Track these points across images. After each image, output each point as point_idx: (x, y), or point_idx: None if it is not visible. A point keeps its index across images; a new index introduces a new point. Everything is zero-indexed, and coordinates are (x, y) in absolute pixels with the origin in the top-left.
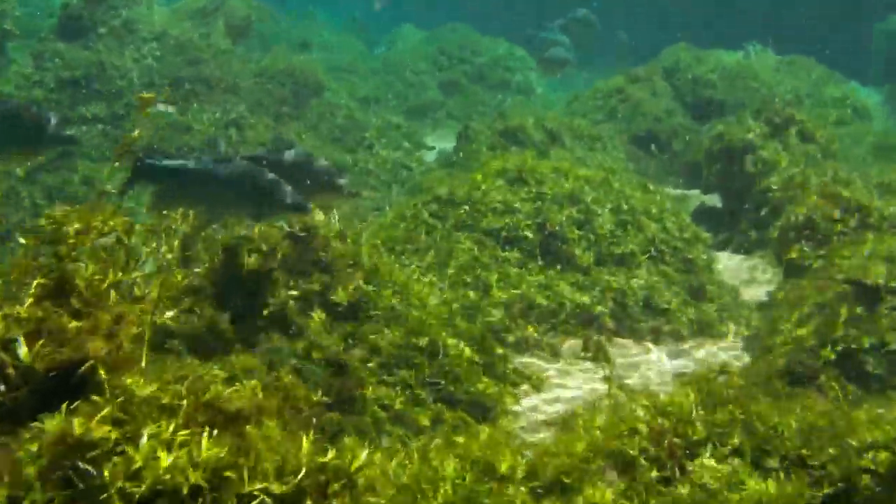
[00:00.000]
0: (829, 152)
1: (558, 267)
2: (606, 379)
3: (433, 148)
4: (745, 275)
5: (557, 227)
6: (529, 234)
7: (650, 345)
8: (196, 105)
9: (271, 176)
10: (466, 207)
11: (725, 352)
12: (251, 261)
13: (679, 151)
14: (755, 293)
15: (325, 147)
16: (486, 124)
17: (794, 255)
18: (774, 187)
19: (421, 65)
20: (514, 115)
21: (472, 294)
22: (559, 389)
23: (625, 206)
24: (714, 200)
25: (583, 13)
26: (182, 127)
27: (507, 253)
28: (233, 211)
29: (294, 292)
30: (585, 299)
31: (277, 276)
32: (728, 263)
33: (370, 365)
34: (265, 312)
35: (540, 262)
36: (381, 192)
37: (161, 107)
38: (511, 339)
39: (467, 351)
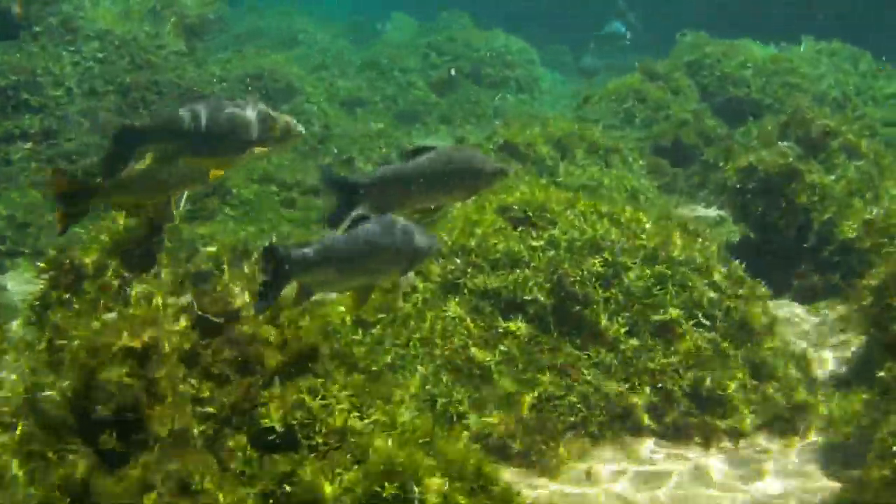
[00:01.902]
0: (881, 167)
1: (577, 340)
2: None
3: None
4: (812, 334)
5: (576, 286)
6: (540, 297)
7: (701, 451)
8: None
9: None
10: (457, 260)
11: (805, 459)
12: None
13: (709, 161)
14: (827, 360)
15: (295, 163)
16: (485, 134)
17: None
18: (852, 235)
19: (411, 61)
20: (515, 121)
21: (460, 393)
22: None
23: (661, 255)
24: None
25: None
26: None
27: (510, 323)
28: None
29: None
30: (614, 387)
31: (167, 389)
32: (785, 318)
33: None
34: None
35: (554, 335)
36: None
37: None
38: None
39: (457, 498)
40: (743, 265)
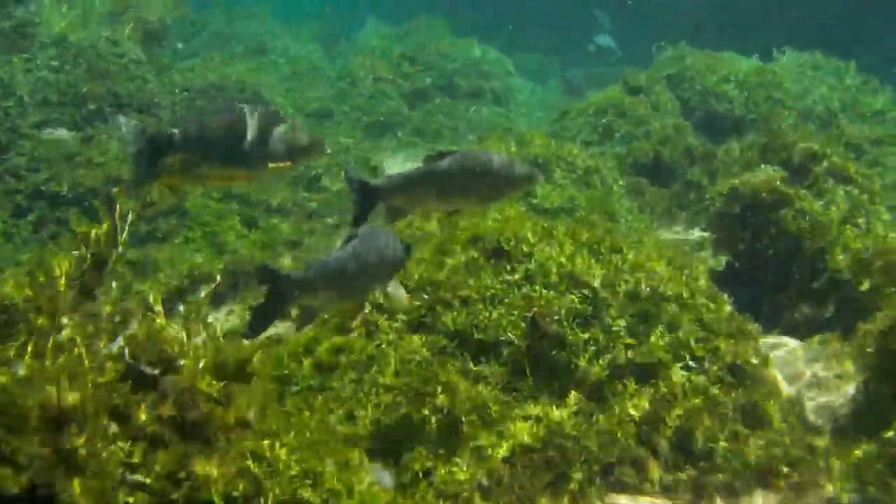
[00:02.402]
0: (871, 192)
1: (555, 385)
2: None
3: None
4: (807, 374)
5: (553, 325)
6: (514, 338)
7: None
8: (102, 130)
9: None
10: (424, 295)
11: None
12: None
13: (691, 181)
14: (822, 404)
15: (260, 180)
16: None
17: None
18: (844, 267)
19: (383, 70)
20: (490, 136)
21: (421, 457)
22: None
23: (645, 290)
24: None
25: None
26: (82, 160)
27: (481, 367)
28: None
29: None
30: (594, 439)
31: (88, 458)
32: (777, 356)
33: None
34: None
35: (530, 380)
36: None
37: (56, 133)
38: None
39: None
40: (730, 300)
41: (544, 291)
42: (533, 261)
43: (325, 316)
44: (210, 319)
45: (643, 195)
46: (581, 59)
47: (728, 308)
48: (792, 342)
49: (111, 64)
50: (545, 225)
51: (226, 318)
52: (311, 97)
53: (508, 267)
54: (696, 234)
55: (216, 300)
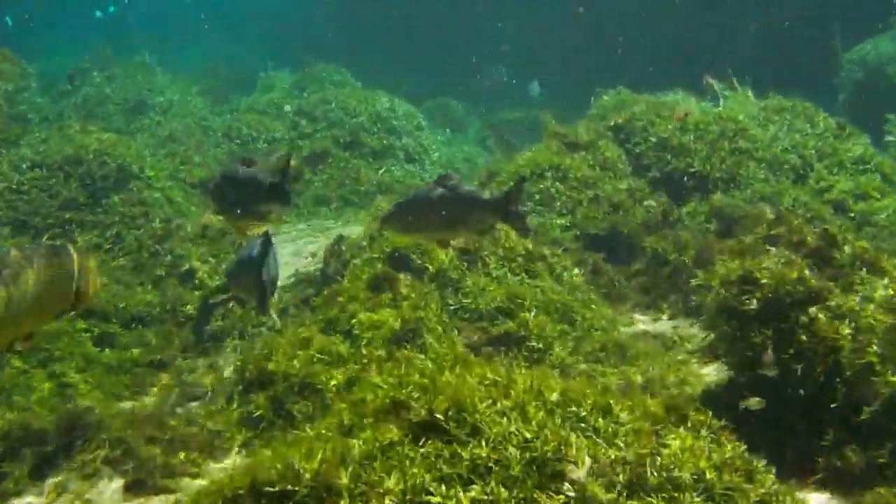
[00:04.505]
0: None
1: None
2: None
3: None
4: None
5: None
6: None
7: None
8: None
9: None
10: None
11: None
12: None
13: (660, 254)
14: None
15: (125, 276)
16: (366, 229)
17: None
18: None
19: (278, 128)
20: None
21: None
22: None
23: (652, 475)
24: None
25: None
26: None
27: None
28: None
29: None
30: None
31: None
32: None
33: None
34: None
35: None
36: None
37: None
38: None
39: None
40: (743, 447)
41: (503, 492)
42: (483, 442)
43: None
44: None
45: (599, 275)
46: (492, 100)
47: (773, 485)
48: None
49: None
50: (497, 379)
51: None
52: (196, 162)
53: (447, 454)
54: (667, 323)
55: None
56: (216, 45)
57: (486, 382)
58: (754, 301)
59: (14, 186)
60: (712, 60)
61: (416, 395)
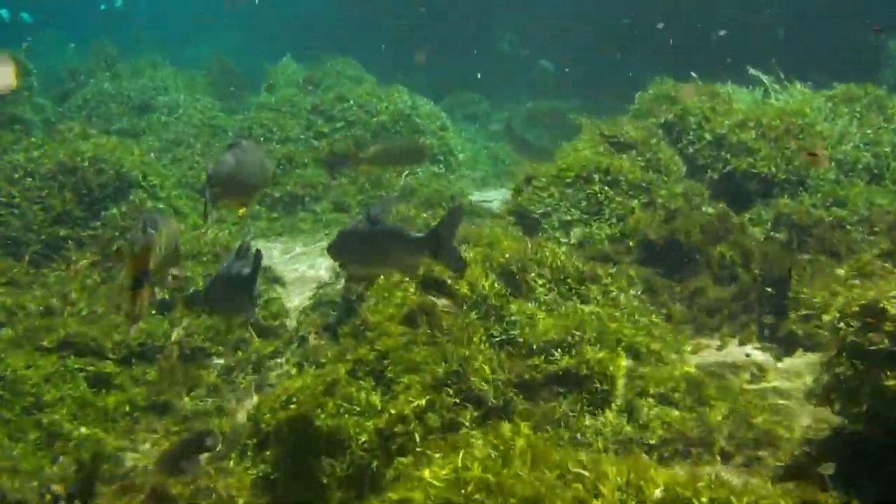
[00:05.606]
0: None
1: None
2: None
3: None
4: None
5: None
6: None
7: None
8: None
9: None
10: None
11: None
12: None
13: (725, 265)
14: None
15: (124, 302)
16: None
17: None
18: None
19: (292, 128)
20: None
21: None
22: None
23: None
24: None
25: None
26: None
27: None
28: None
29: None
30: None
31: None
32: None
33: None
34: None
35: None
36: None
37: None
38: None
39: None
40: None
41: None
42: None
43: None
44: None
45: (657, 294)
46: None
47: None
48: None
49: None
50: (583, 469)
51: None
52: (202, 167)
53: None
54: (738, 350)
55: None
56: (222, 39)
57: (568, 477)
58: (886, 339)
59: (3, 200)
60: (747, 50)
61: (478, 496)
